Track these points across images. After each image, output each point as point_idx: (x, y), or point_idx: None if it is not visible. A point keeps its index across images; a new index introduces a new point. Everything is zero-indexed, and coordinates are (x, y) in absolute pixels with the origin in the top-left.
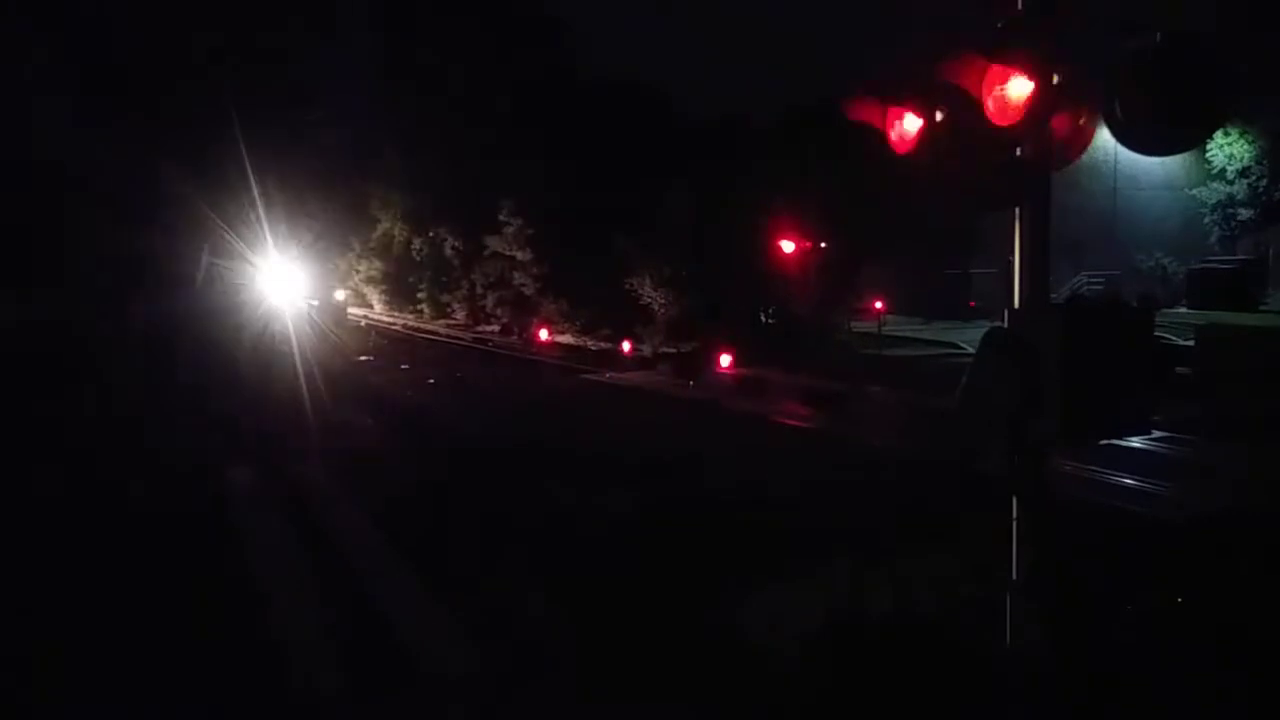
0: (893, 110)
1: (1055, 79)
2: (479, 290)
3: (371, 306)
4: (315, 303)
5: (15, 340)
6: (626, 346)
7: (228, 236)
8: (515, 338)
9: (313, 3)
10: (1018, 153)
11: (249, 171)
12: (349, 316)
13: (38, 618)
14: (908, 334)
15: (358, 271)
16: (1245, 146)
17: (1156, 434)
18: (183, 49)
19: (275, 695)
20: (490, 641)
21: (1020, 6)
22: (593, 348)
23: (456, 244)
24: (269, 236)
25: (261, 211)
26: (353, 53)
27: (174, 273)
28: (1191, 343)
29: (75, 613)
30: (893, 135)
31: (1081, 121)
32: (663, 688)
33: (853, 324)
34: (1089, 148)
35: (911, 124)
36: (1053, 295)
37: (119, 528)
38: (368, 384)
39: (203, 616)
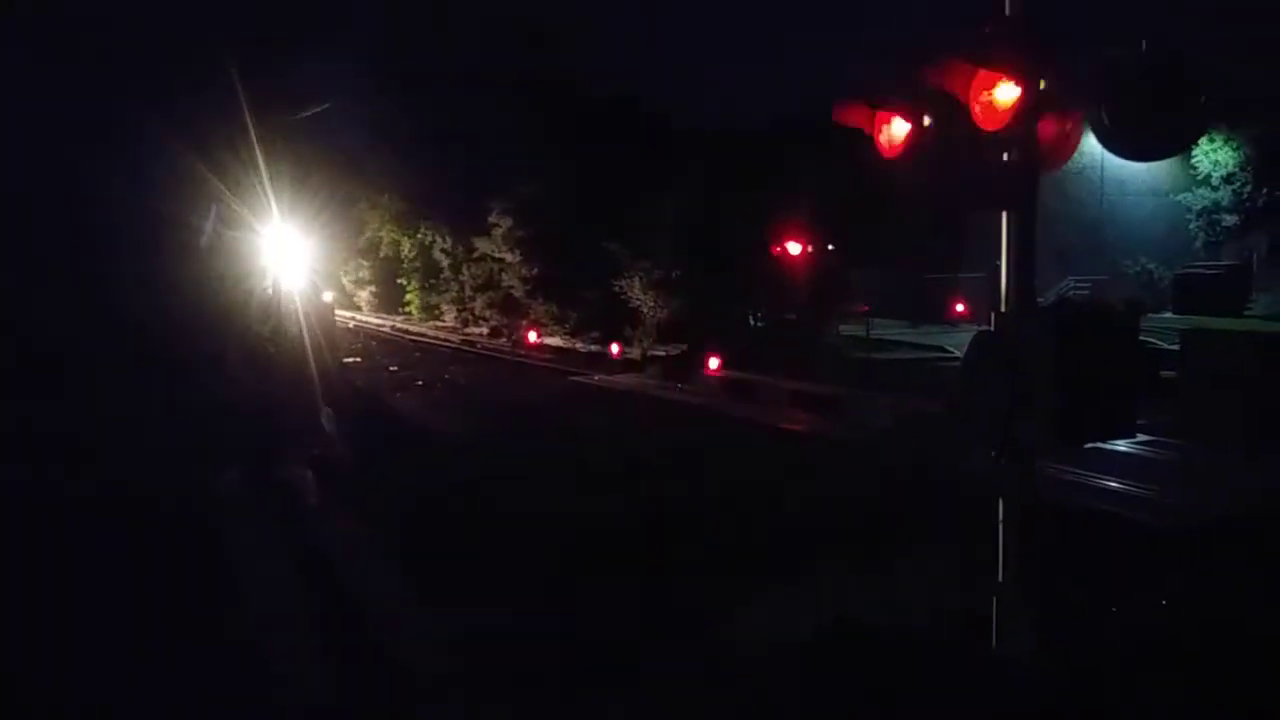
0: (881, 115)
1: (1042, 84)
2: (468, 292)
3: (359, 309)
4: (302, 304)
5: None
6: (615, 349)
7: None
8: (504, 340)
9: (302, 6)
10: (1005, 158)
11: (263, 175)
12: (337, 318)
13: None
14: (896, 337)
15: (345, 273)
16: (1230, 153)
17: (1142, 437)
18: (181, 44)
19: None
20: (474, 639)
21: (1007, 12)
22: (582, 350)
23: (445, 246)
24: (259, 236)
25: (275, 208)
26: (340, 55)
27: (176, 272)
28: (1176, 347)
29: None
30: (881, 140)
31: (1068, 127)
32: (642, 695)
33: (841, 327)
34: (1076, 153)
35: (899, 129)
36: (1040, 300)
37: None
38: (354, 385)
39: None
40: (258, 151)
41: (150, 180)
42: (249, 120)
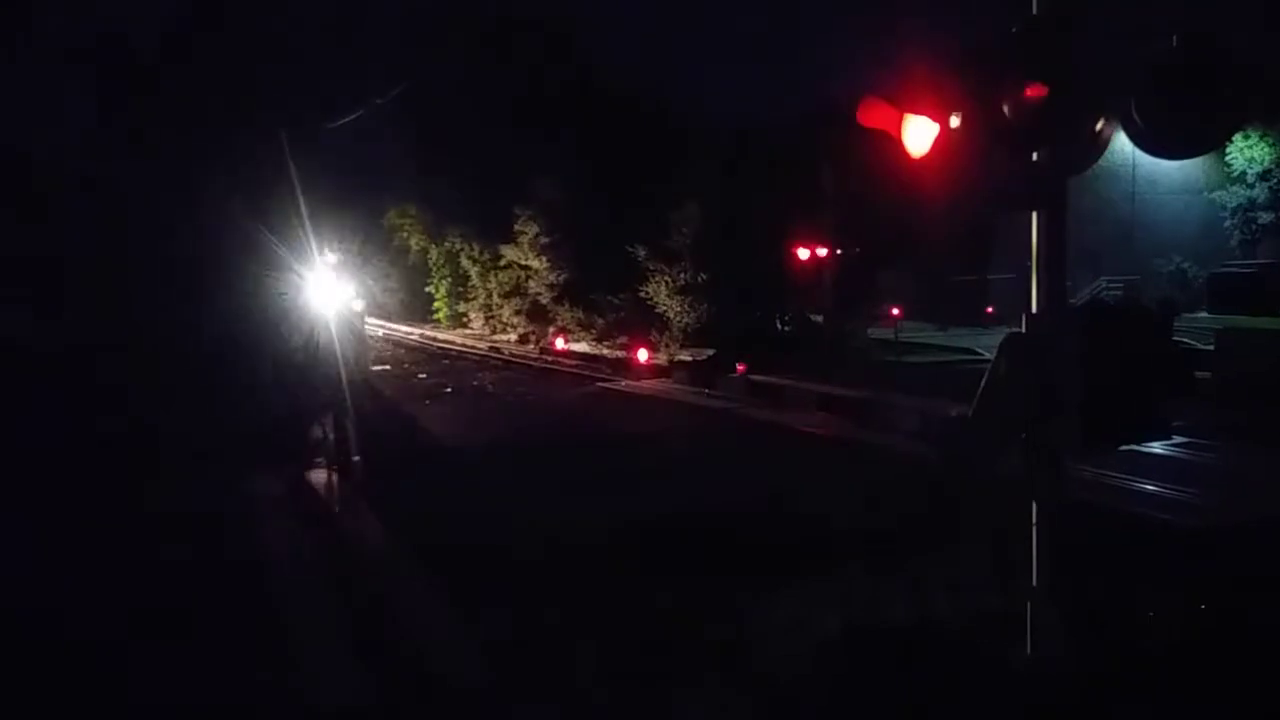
0: (907, 115)
1: (1071, 83)
2: (495, 300)
3: (389, 316)
4: (333, 315)
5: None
6: (642, 355)
7: (274, 248)
8: (532, 346)
9: (330, 15)
10: (1034, 157)
11: (297, 190)
12: (367, 326)
13: None
14: (924, 340)
15: (374, 281)
16: (1265, 149)
17: (1176, 439)
18: (214, 57)
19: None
20: (499, 641)
21: (1035, 10)
22: (608, 355)
23: (473, 253)
24: (294, 250)
25: (307, 225)
26: (364, 63)
27: (221, 283)
28: (1211, 347)
29: None
30: (907, 141)
31: (1098, 126)
32: (665, 698)
33: (869, 331)
34: (1107, 152)
35: (927, 129)
36: (1072, 300)
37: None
38: (385, 393)
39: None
40: (290, 164)
41: (189, 203)
42: (281, 133)
